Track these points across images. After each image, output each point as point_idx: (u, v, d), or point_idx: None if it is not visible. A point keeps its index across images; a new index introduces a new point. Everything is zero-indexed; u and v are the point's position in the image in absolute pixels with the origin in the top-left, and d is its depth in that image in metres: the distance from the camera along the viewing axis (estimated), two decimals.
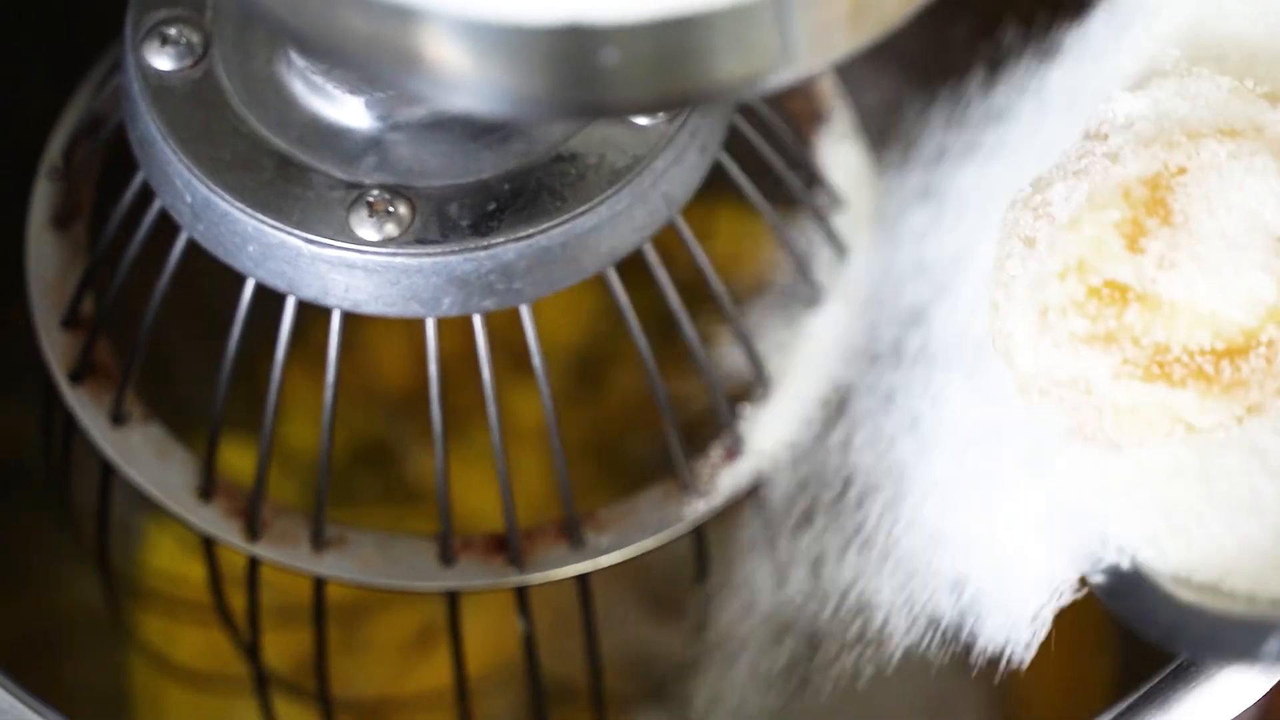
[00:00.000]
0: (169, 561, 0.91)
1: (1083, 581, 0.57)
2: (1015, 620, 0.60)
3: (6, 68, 0.82)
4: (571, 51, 0.42)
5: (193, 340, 0.77)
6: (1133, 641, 0.56)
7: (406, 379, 0.96)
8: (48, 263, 0.69)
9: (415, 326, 0.61)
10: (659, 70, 0.43)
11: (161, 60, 0.61)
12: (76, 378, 0.67)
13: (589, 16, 0.41)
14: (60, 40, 0.83)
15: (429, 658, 0.91)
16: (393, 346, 0.96)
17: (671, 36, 0.42)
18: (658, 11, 0.41)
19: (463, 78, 0.45)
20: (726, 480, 0.66)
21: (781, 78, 0.43)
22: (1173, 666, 0.59)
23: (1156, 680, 0.58)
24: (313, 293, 0.59)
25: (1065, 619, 0.65)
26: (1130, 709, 0.58)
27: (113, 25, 0.70)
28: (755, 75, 0.43)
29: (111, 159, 0.69)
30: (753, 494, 0.67)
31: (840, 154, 0.72)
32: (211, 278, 0.63)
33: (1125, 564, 0.54)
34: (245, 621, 0.74)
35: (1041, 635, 0.60)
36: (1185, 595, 0.53)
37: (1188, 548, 0.54)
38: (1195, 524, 0.54)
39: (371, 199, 0.58)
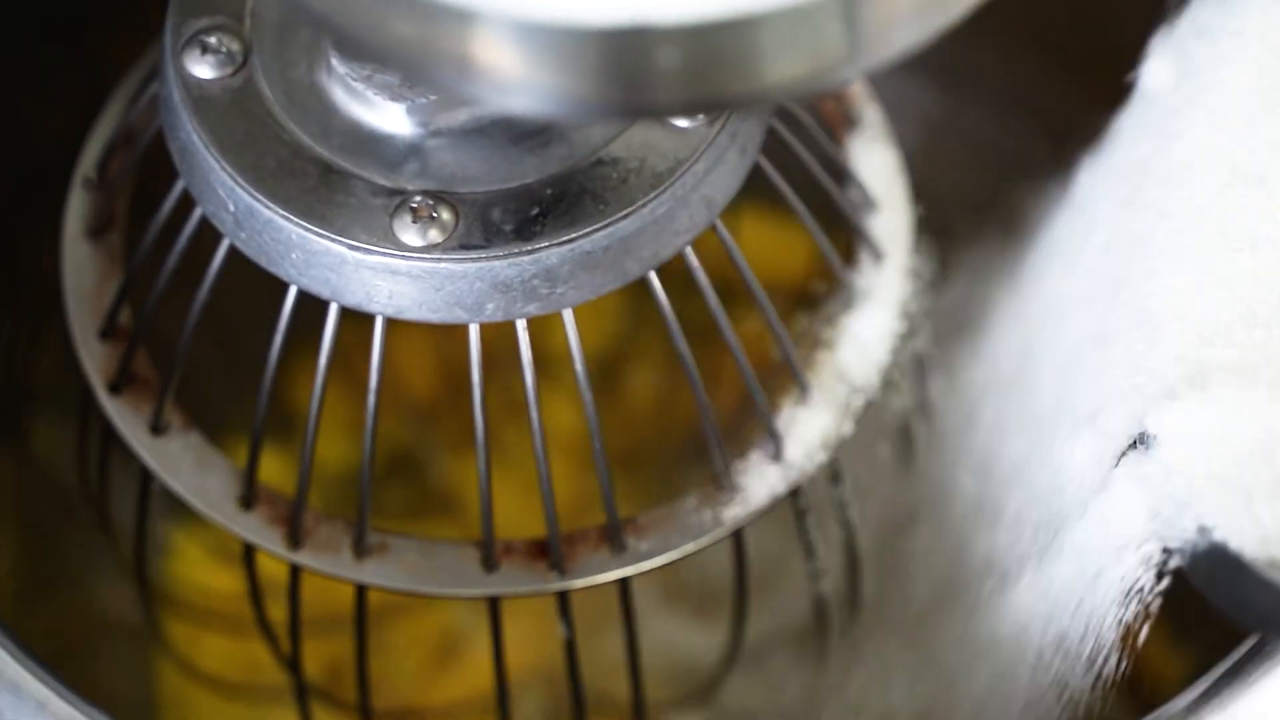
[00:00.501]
0: (197, 570, 0.92)
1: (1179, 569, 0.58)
2: (1094, 611, 0.60)
3: (38, 78, 0.83)
4: (632, 53, 0.42)
5: (220, 346, 0.77)
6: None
7: (429, 387, 0.97)
8: (84, 273, 0.69)
9: (440, 334, 0.61)
10: (719, 71, 0.43)
11: (202, 69, 0.61)
12: (115, 389, 0.67)
13: (651, 18, 0.41)
14: (91, 49, 0.83)
15: (456, 663, 0.91)
16: (415, 355, 0.96)
17: (731, 35, 0.42)
18: (718, 12, 0.41)
19: (521, 80, 0.45)
20: (765, 484, 0.66)
21: (846, 74, 0.43)
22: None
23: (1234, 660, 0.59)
24: (356, 300, 0.59)
25: None
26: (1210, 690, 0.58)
27: (145, 33, 0.70)
28: (817, 73, 0.43)
29: (144, 169, 0.69)
30: (792, 496, 0.67)
31: (873, 157, 0.72)
32: (240, 283, 0.63)
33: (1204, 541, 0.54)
34: (281, 631, 0.74)
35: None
36: None
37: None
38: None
39: (414, 205, 0.58)
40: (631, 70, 0.43)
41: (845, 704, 0.87)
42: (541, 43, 0.43)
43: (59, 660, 0.84)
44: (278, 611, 0.72)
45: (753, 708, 0.90)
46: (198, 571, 0.92)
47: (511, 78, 0.46)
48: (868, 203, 0.70)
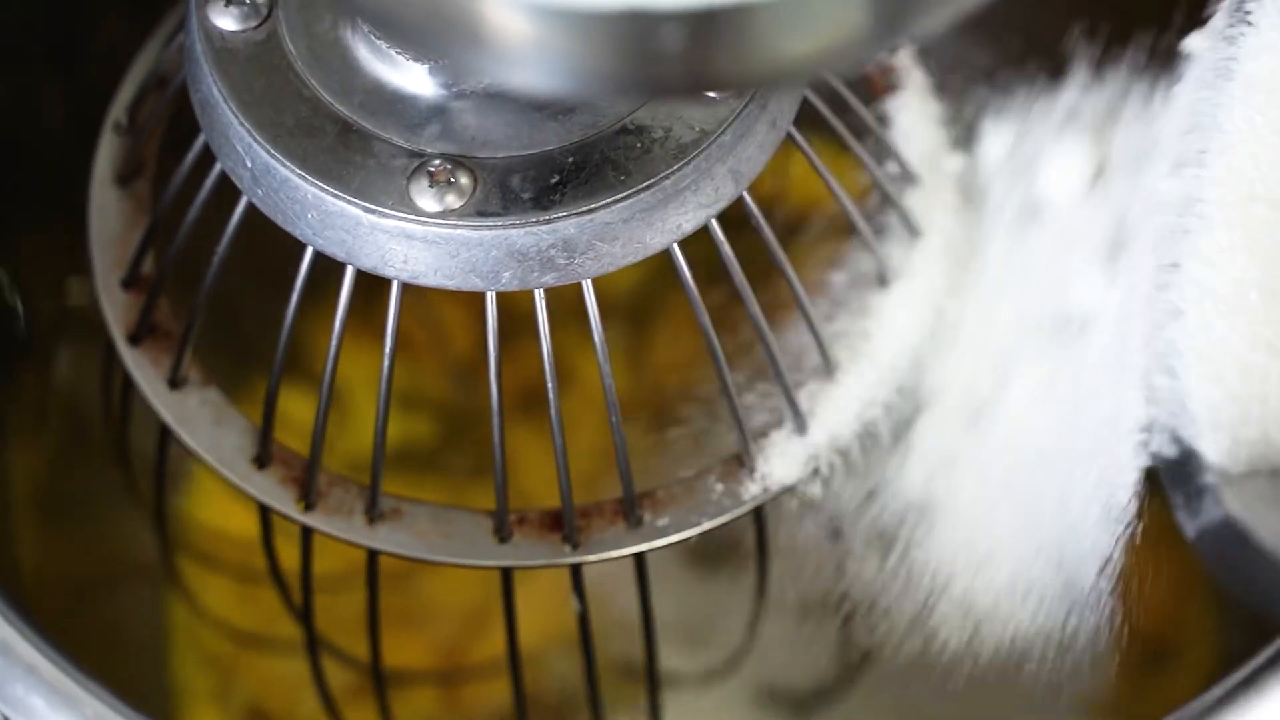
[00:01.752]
0: (215, 513, 0.91)
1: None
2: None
3: (81, 14, 0.82)
4: (644, 34, 0.40)
5: (248, 294, 0.77)
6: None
7: (470, 346, 0.96)
8: (110, 219, 0.68)
9: (476, 294, 0.60)
10: (725, 51, 0.42)
11: (225, 20, 0.60)
12: (135, 339, 0.66)
13: (650, 3, 0.39)
14: None
15: (484, 623, 0.91)
16: (455, 313, 0.95)
17: (732, 19, 0.40)
18: None
19: (531, 58, 0.43)
20: (788, 462, 0.65)
21: (863, 55, 0.42)
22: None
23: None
24: (371, 263, 0.58)
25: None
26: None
27: None
28: (832, 54, 0.42)
29: (176, 115, 0.68)
30: (814, 474, 0.66)
31: (915, 127, 0.70)
32: (268, 233, 0.62)
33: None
34: (294, 581, 0.73)
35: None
36: None
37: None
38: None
39: (433, 169, 0.57)
40: (637, 51, 0.42)
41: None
42: (549, 22, 0.42)
43: (74, 596, 0.85)
44: (293, 558, 0.71)
45: (776, 676, 0.89)
46: (216, 514, 0.92)
47: (522, 55, 0.44)
48: (906, 177, 0.68)
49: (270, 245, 0.63)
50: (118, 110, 0.70)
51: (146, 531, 0.89)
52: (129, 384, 0.68)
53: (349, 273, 0.59)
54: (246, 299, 0.80)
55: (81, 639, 0.65)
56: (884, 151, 0.68)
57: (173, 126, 0.69)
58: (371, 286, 0.61)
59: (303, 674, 0.87)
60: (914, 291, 0.67)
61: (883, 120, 0.69)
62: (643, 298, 0.94)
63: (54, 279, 0.82)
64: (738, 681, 0.83)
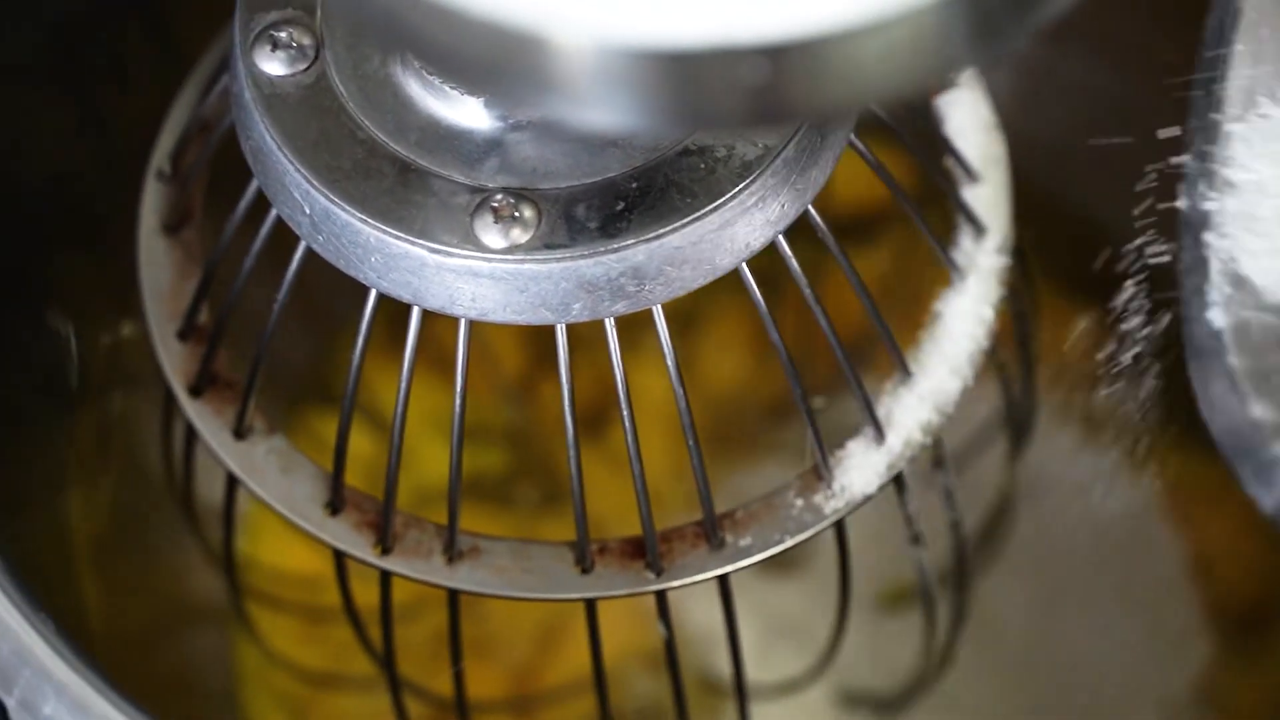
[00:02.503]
0: (279, 553, 0.90)
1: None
2: None
3: (112, 63, 0.81)
4: (728, 70, 0.40)
5: (287, 331, 0.76)
6: None
7: (518, 370, 0.95)
8: (161, 270, 0.67)
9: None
10: (819, 85, 0.41)
11: (273, 65, 0.59)
12: (196, 391, 0.65)
13: (739, 38, 0.38)
14: (166, 33, 0.82)
15: (557, 647, 0.90)
16: (500, 337, 0.94)
17: (826, 51, 0.39)
18: (807, 29, 0.39)
19: (603, 100, 0.42)
20: (866, 473, 0.64)
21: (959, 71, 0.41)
22: None
23: None
24: (439, 303, 0.57)
25: None
26: None
27: (219, 16, 0.69)
28: (925, 79, 0.41)
29: (217, 160, 0.68)
30: (895, 483, 0.65)
31: (970, 126, 0.69)
32: (319, 274, 0.61)
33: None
34: (368, 617, 0.73)
35: None
36: None
37: None
38: None
39: (496, 204, 0.56)
40: (719, 87, 0.41)
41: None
42: (622, 66, 0.41)
43: (141, 645, 0.84)
44: (365, 594, 0.70)
45: (860, 684, 0.88)
46: (276, 554, 0.91)
47: (593, 99, 0.43)
48: (968, 176, 0.67)
49: (307, 282, 0.63)
50: (159, 158, 0.69)
51: (210, 576, 0.88)
52: (191, 434, 0.67)
53: (415, 314, 0.58)
54: (284, 336, 0.80)
55: (151, 687, 0.65)
56: (941, 149, 0.67)
57: (214, 172, 0.69)
58: (406, 317, 0.60)
59: (375, 711, 0.86)
60: (981, 289, 0.66)
61: (936, 118, 0.68)
62: (683, 311, 0.93)
63: (105, 326, 0.81)
64: (817, 690, 0.82)
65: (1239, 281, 0.54)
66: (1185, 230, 0.55)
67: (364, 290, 0.89)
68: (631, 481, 0.60)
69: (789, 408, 0.95)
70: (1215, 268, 0.54)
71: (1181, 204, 0.54)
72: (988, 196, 0.68)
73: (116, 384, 0.83)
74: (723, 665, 0.88)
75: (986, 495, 0.81)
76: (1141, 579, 0.90)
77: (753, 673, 0.80)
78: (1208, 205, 0.55)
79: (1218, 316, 0.54)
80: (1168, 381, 0.94)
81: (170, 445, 0.74)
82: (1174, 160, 0.57)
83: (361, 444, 0.92)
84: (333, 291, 0.64)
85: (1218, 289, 0.54)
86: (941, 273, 0.68)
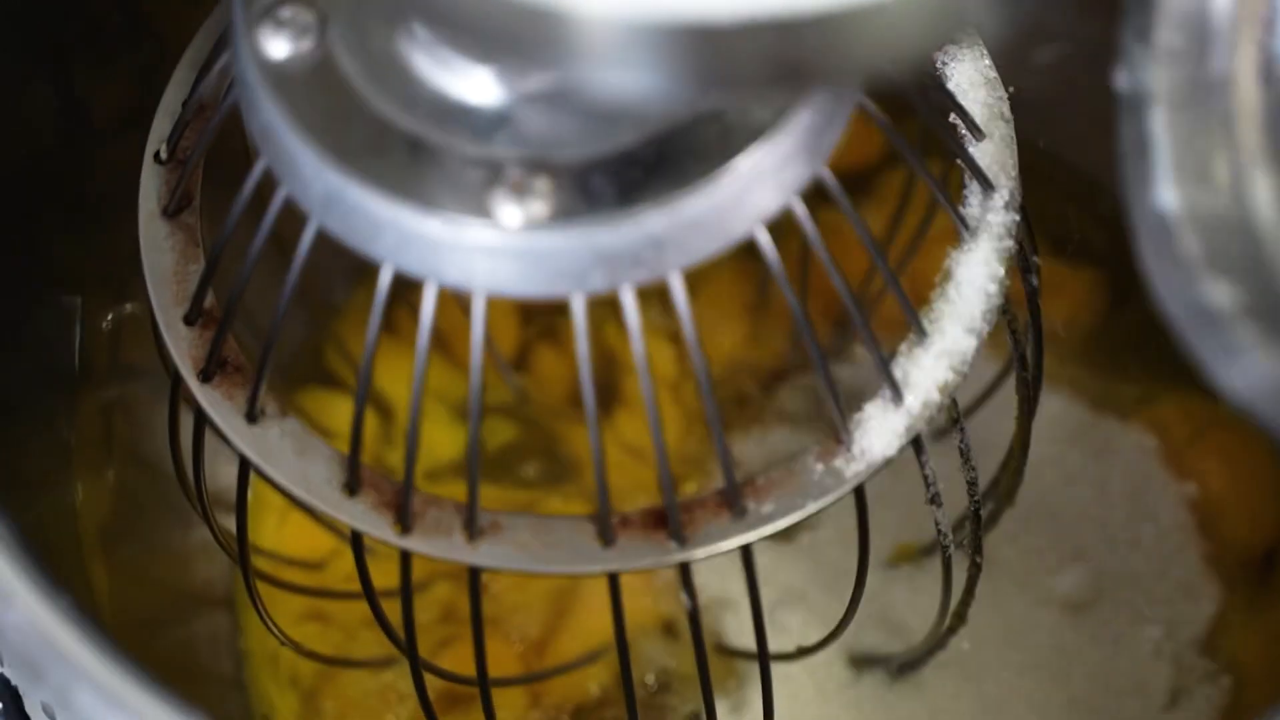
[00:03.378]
0: (282, 537, 0.90)
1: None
2: None
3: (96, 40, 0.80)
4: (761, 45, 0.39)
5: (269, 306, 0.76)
6: None
7: (512, 345, 0.94)
8: (163, 255, 0.67)
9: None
10: (849, 49, 0.40)
11: (277, 44, 0.58)
12: (206, 376, 0.64)
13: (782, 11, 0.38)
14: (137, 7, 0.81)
15: (558, 621, 0.89)
16: (492, 312, 0.94)
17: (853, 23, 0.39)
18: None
19: (630, 70, 0.42)
20: (884, 436, 0.63)
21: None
22: None
23: None
24: (455, 279, 0.57)
25: None
26: None
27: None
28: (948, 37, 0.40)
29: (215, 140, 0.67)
30: (912, 444, 0.64)
31: (971, 83, 0.68)
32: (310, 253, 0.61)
33: None
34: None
35: None
36: None
37: None
38: None
39: (510, 176, 0.56)
40: (754, 59, 0.40)
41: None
42: (648, 39, 0.41)
43: (149, 627, 0.83)
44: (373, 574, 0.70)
45: (870, 645, 0.88)
46: (279, 537, 0.91)
47: (615, 68, 0.43)
48: (974, 132, 0.67)
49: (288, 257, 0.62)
50: (155, 141, 0.68)
51: (214, 562, 0.88)
52: (200, 420, 0.66)
53: (431, 291, 0.58)
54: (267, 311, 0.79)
55: (162, 669, 0.64)
56: (946, 107, 0.67)
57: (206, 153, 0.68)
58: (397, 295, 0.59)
59: (384, 690, 0.86)
60: (992, 247, 0.66)
61: (939, 75, 0.68)
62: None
63: (102, 310, 0.81)
64: (828, 652, 0.82)
65: (1183, 161, 0.52)
66: (1126, 110, 0.52)
67: (355, 270, 0.88)
68: (634, 458, 0.59)
69: (786, 374, 0.94)
70: (1159, 147, 0.52)
71: (1120, 82, 0.52)
72: (993, 152, 0.67)
73: (116, 369, 0.83)
74: (731, 630, 0.87)
75: (993, 454, 0.81)
76: (1147, 531, 0.90)
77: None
78: (1147, 81, 0.52)
79: (1165, 198, 0.52)
80: (1155, 330, 0.94)
81: (177, 431, 0.73)
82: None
83: (345, 421, 0.91)
84: (319, 271, 0.64)
85: (1163, 169, 0.51)
86: (938, 229, 0.67)
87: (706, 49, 0.42)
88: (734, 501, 0.62)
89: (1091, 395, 0.93)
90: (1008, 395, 0.88)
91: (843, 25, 0.41)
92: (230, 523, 0.75)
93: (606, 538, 0.62)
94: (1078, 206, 0.94)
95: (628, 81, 0.45)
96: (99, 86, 0.83)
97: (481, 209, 0.56)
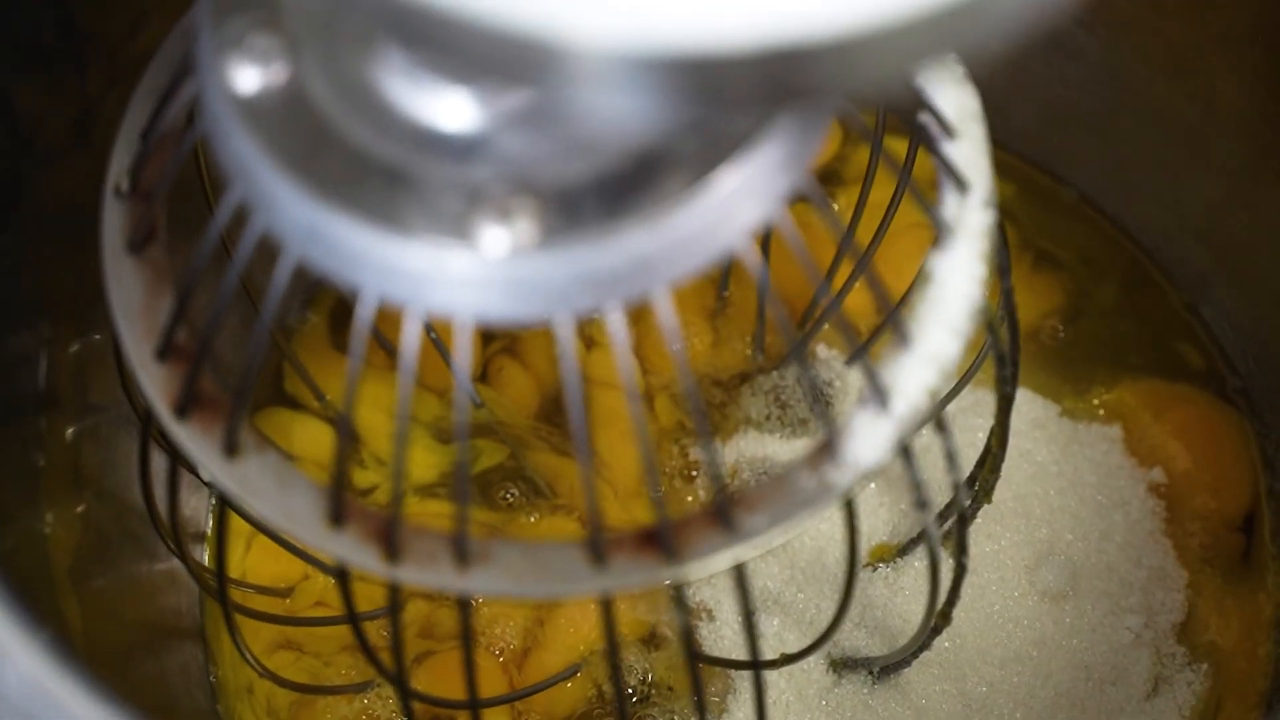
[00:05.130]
0: (256, 565, 0.89)
1: None
2: None
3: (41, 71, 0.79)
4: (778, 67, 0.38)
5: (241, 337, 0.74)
6: None
7: (478, 366, 0.93)
8: (130, 290, 0.65)
9: None
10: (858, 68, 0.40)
11: (245, 75, 0.57)
12: (181, 412, 0.63)
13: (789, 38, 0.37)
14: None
15: (538, 634, 0.89)
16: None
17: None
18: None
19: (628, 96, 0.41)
20: (872, 443, 0.63)
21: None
22: None
23: None
24: (440, 305, 0.56)
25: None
26: None
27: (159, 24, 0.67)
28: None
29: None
30: (901, 448, 0.64)
31: (944, 82, 0.68)
32: (264, 277, 0.60)
33: None
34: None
35: None
36: None
37: None
38: None
39: (490, 201, 0.55)
40: (758, 82, 0.40)
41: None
42: (638, 70, 0.40)
43: (122, 659, 0.82)
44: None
45: (853, 648, 0.87)
46: (250, 565, 0.89)
47: (603, 93, 0.42)
48: (947, 131, 0.66)
49: (255, 287, 0.60)
50: (116, 175, 0.67)
51: (185, 591, 0.86)
52: (174, 456, 0.65)
53: (415, 319, 0.57)
54: (235, 344, 0.78)
55: (137, 702, 0.63)
56: (918, 108, 0.66)
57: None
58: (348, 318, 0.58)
59: (359, 715, 0.85)
60: (970, 247, 0.65)
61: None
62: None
63: (68, 342, 0.79)
64: (812, 656, 0.81)
65: None
66: None
67: (307, 291, 0.87)
68: (609, 480, 0.59)
69: (748, 376, 0.94)
70: None
71: None
72: (967, 152, 0.67)
73: (84, 399, 0.81)
74: (711, 636, 0.87)
75: (969, 453, 0.81)
76: (1118, 520, 0.90)
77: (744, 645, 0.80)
78: None
79: None
80: (1115, 322, 0.93)
81: (147, 468, 0.72)
82: None
83: (323, 442, 0.90)
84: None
85: None
86: (900, 228, 0.66)
87: (701, 74, 0.41)
88: (724, 516, 0.61)
89: (1054, 391, 0.93)
90: (974, 395, 0.88)
91: (842, 51, 0.40)
92: (197, 552, 0.74)
93: (598, 560, 0.61)
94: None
95: (618, 104, 0.44)
96: (41, 109, 0.81)
97: (463, 233, 0.55)
